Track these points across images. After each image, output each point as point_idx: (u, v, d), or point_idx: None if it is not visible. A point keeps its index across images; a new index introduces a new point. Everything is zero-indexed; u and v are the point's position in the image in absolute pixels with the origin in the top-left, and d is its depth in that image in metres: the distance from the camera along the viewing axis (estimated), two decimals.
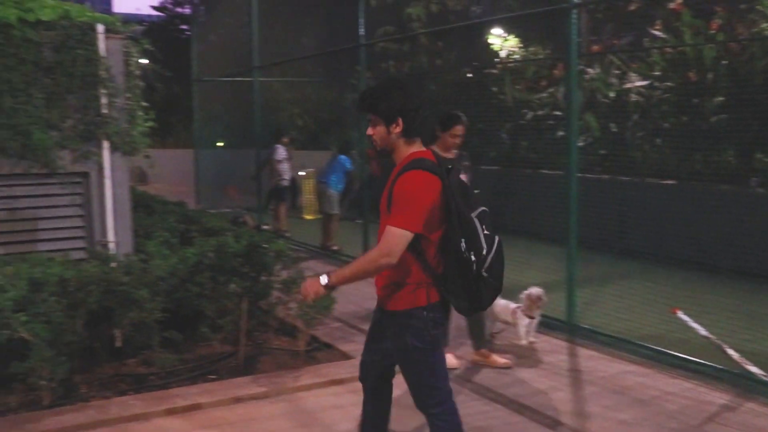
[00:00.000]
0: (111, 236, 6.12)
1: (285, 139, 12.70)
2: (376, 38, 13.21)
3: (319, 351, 6.17)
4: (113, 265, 5.61)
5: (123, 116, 6.16)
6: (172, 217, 7.49)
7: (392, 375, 3.88)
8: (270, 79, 14.88)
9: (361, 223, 9.87)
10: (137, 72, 6.36)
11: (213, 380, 5.53)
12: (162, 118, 6.29)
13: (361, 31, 9.67)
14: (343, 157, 11.41)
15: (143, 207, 7.97)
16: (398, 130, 3.50)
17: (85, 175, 6.10)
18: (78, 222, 6.13)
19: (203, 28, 18.55)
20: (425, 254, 3.43)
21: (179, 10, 34.33)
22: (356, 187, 12.62)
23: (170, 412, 4.97)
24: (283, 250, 6.20)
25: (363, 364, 3.89)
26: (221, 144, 18.60)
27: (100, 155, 6.08)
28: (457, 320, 6.09)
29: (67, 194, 6.07)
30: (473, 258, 3.40)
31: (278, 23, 14.84)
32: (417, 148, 3.59)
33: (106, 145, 6.08)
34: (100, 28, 6.07)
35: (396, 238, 3.32)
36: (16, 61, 5.71)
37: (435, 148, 5.79)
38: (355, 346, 6.26)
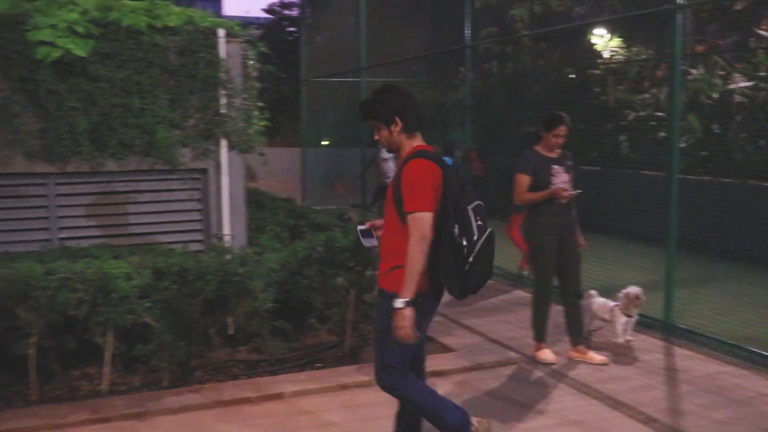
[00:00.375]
0: (227, 230, 6.47)
1: None
2: (479, 40, 13.31)
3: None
4: (228, 257, 5.93)
5: (240, 116, 6.50)
6: (282, 212, 7.82)
7: (420, 357, 4.16)
8: (376, 79, 15.16)
9: None
10: (254, 74, 6.68)
11: (319, 368, 5.79)
12: (271, 118, 6.57)
13: (467, 32, 9.81)
14: (446, 158, 11.48)
15: (254, 203, 8.33)
16: (398, 128, 3.88)
17: (203, 171, 6.47)
18: (196, 216, 6.51)
19: (311, 29, 19.01)
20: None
21: (287, 12, 35.14)
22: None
23: (279, 396, 5.24)
24: None
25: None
26: (327, 142, 19.01)
27: (218, 153, 6.44)
28: (555, 317, 6.19)
29: (186, 189, 6.45)
30: (464, 243, 3.73)
31: (384, 24, 15.10)
32: (419, 141, 3.95)
33: (224, 143, 6.44)
34: (221, 32, 6.42)
35: (419, 221, 3.64)
36: (145, 64, 6.12)
37: (538, 147, 5.90)
38: (456, 340, 6.43)
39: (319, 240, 6.26)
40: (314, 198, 15.91)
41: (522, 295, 8.17)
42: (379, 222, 4.16)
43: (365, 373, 5.59)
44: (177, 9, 6.45)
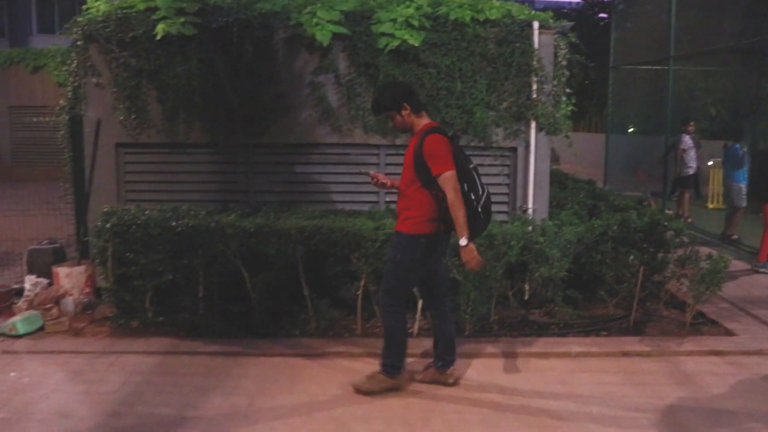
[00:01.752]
0: (530, 204, 7.07)
1: (689, 128, 12.70)
2: None
3: (704, 325, 6.56)
4: (530, 228, 6.56)
5: (549, 100, 7.04)
6: (582, 193, 8.27)
7: (438, 286, 5.18)
8: (685, 68, 14.86)
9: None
10: (563, 62, 7.19)
11: (604, 336, 6.26)
12: (577, 103, 7.00)
13: None
14: (737, 146, 10.99)
15: (556, 183, 8.86)
16: (408, 112, 4.87)
17: (513, 150, 7.12)
18: (504, 189, 7.18)
19: (622, 15, 18.88)
20: (438, 195, 4.71)
21: None
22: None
23: (565, 355, 5.82)
24: (683, 229, 6.67)
25: (422, 291, 5.37)
26: (632, 129, 18.88)
27: (527, 133, 7.05)
28: None
29: (497, 165, 7.13)
30: (473, 197, 4.72)
31: (696, 11, 14.70)
32: (427, 119, 4.96)
33: (533, 125, 7.02)
34: (536, 24, 6.99)
35: (449, 180, 4.64)
36: (467, 53, 6.88)
37: None
38: (739, 326, 6.55)
39: (615, 219, 6.68)
40: (615, 183, 16.00)
41: None
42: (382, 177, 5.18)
43: (647, 345, 5.99)
44: (497, 3, 7.12)
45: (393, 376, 5.08)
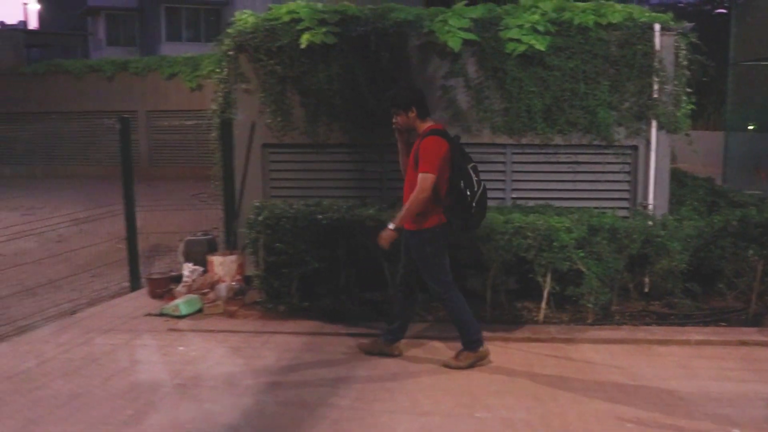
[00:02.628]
0: (650, 200, 7.35)
1: None
2: None
3: None
4: (650, 223, 6.86)
5: (670, 100, 7.30)
6: (701, 190, 8.45)
7: (417, 283, 5.77)
8: None
9: None
10: (684, 62, 7.42)
11: (723, 326, 6.51)
12: (696, 102, 7.21)
13: None
14: None
15: (675, 180, 9.04)
16: (414, 115, 5.47)
17: (634, 148, 7.41)
18: (625, 186, 7.48)
19: (742, 10, 18.55)
20: (439, 192, 5.37)
21: None
22: None
23: (685, 342, 6.13)
24: None
25: (400, 276, 5.82)
26: (752, 127, 18.55)
27: (648, 132, 7.32)
28: None
29: (618, 163, 7.44)
30: (468, 193, 5.36)
31: None
32: (430, 123, 5.55)
33: (653, 123, 7.29)
34: (657, 26, 7.26)
35: (426, 180, 5.28)
36: (590, 56, 7.21)
37: None
38: None
39: (735, 215, 6.89)
40: (735, 182, 15.82)
41: None
42: None
43: (766, 335, 6.21)
44: (619, 7, 7.41)
45: (476, 350, 5.66)
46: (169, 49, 32.89)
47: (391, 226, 5.51)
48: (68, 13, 42.91)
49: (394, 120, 5.63)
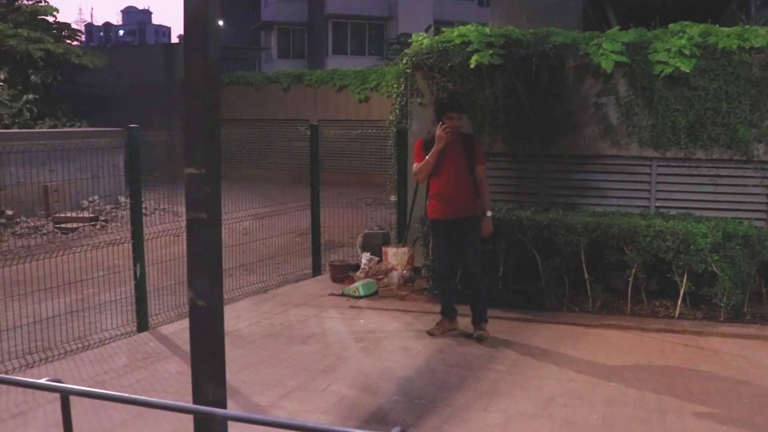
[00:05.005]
0: None
1: None
2: None
3: None
4: None
5: None
6: None
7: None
8: None
9: None
10: None
11: None
12: None
13: None
14: None
15: None
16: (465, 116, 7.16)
17: None
18: (762, 199, 8.03)
19: None
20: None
21: None
22: None
23: None
24: None
25: (447, 263, 6.98)
26: None
27: None
28: None
29: (758, 177, 8.03)
30: None
31: None
32: None
33: None
34: None
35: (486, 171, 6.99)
36: (733, 77, 7.83)
37: None
38: None
39: None
40: None
41: None
42: None
43: None
44: (762, 31, 7.97)
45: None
46: (335, 62, 34.97)
47: (489, 214, 6.91)
48: (243, 28, 46.11)
49: (454, 123, 6.72)
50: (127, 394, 2.39)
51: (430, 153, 6.71)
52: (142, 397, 2.50)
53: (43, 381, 2.54)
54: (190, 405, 2.59)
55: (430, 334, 6.89)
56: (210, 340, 3.40)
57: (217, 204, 3.47)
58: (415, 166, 6.97)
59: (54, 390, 2.53)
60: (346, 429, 2.21)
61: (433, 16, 36.40)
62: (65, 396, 2.55)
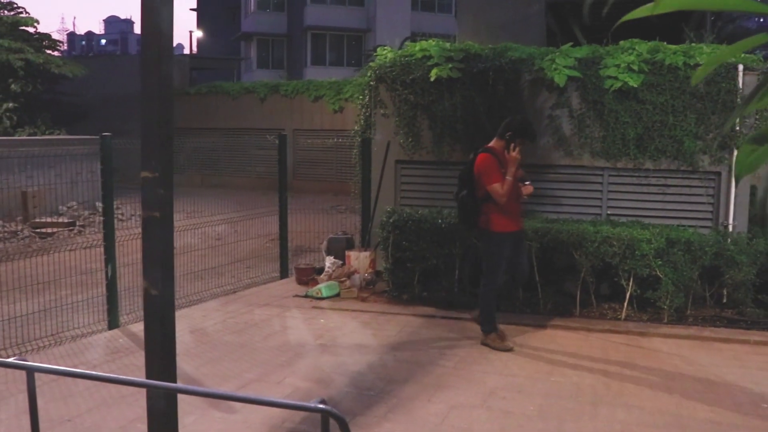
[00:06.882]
0: (730, 220, 8.31)
1: None
2: None
3: None
4: (729, 240, 7.84)
5: (749, 132, 8.27)
6: None
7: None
8: None
9: None
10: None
11: None
12: None
13: None
14: None
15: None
16: None
17: (717, 174, 8.36)
18: (708, 207, 8.45)
19: None
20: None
21: None
22: None
23: (744, 341, 7.13)
24: None
25: (503, 275, 7.09)
26: None
27: (730, 160, 8.26)
28: None
29: (702, 187, 8.42)
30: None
31: None
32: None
33: (735, 152, 8.29)
34: (740, 66, 8.21)
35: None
36: (679, 92, 8.23)
37: None
38: None
39: None
40: None
41: None
42: None
43: None
44: (707, 49, 8.41)
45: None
46: (314, 73, 35.35)
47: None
48: (223, 39, 46.42)
49: (520, 149, 6.89)
50: (84, 370, 2.71)
51: (509, 173, 6.85)
52: (98, 373, 2.82)
53: (11, 360, 2.87)
54: (140, 379, 2.91)
55: (511, 349, 6.90)
56: (162, 324, 3.72)
57: (169, 204, 3.79)
58: (499, 186, 6.82)
59: (20, 368, 2.84)
60: (268, 399, 2.53)
61: (410, 28, 36.90)
62: (30, 372, 2.87)
